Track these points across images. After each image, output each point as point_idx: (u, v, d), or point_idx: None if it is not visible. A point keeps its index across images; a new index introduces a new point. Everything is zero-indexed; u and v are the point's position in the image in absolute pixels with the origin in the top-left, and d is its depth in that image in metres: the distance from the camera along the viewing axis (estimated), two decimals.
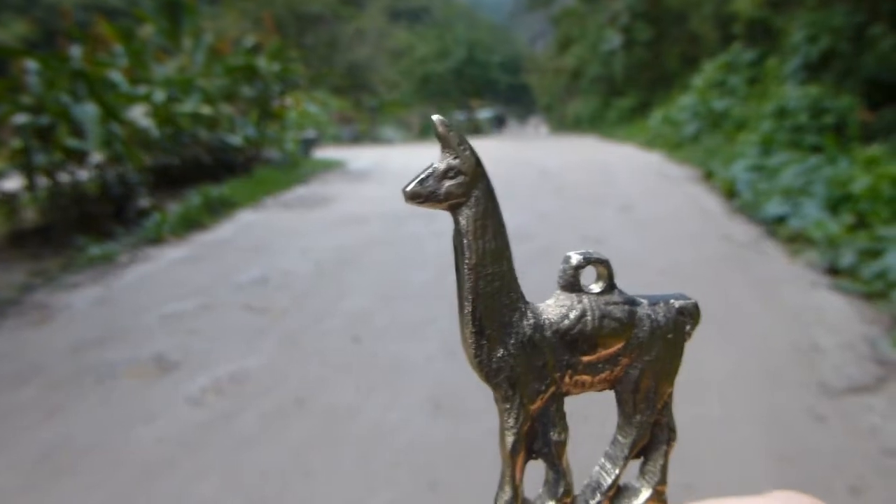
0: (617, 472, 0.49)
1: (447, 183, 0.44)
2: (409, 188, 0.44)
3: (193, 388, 3.45)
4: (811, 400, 3.10)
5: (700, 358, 3.44)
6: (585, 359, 0.47)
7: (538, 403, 0.47)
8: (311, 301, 4.90)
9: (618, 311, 0.48)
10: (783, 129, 10.34)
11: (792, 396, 3.16)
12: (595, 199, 8.86)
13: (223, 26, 27.15)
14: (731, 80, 15.77)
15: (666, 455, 0.50)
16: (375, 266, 5.81)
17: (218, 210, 8.36)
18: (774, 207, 6.78)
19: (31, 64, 7.49)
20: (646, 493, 0.49)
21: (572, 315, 0.47)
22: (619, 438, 0.50)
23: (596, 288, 0.49)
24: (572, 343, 0.47)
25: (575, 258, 0.48)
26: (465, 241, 0.45)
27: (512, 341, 0.46)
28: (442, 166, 0.44)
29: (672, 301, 0.50)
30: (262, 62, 12.43)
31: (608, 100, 27.67)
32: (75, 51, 8.74)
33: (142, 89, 9.52)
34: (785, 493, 0.46)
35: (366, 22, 42.15)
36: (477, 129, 33.44)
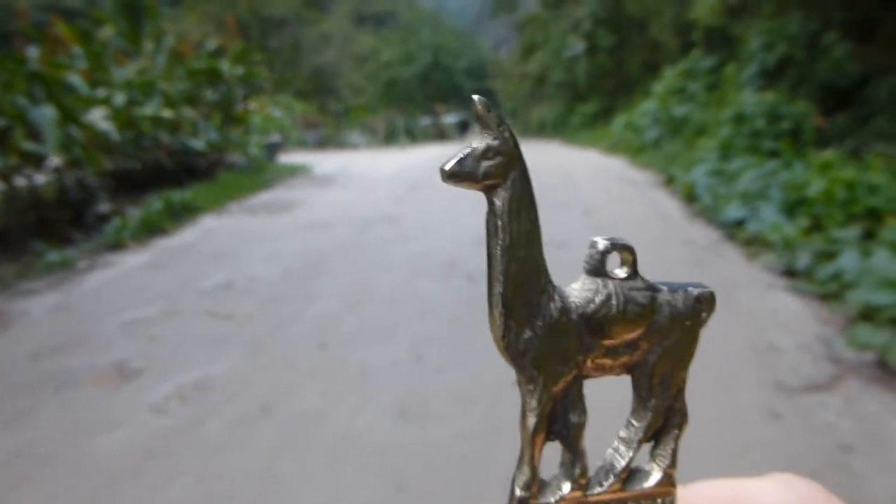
0: (630, 454, 0.51)
1: (485, 163, 0.45)
2: (448, 167, 0.44)
3: (156, 396, 3.40)
4: (768, 399, 3.18)
5: None
6: (607, 342, 0.49)
7: (560, 385, 0.48)
8: (276, 307, 4.87)
9: (640, 297, 0.49)
10: (741, 134, 10.58)
11: (750, 395, 3.24)
12: (558, 204, 8.95)
13: (185, 29, 26.76)
14: (691, 86, 16.09)
15: (677, 439, 0.52)
16: (342, 271, 5.80)
17: (180, 215, 8.24)
18: (733, 211, 6.94)
19: None
20: (657, 475, 0.51)
21: (598, 299, 0.48)
22: (634, 422, 0.52)
23: (621, 273, 0.50)
24: (596, 327, 0.48)
25: (602, 243, 0.49)
26: (499, 223, 0.46)
27: (539, 323, 0.47)
28: (481, 146, 0.45)
29: (690, 289, 0.51)
30: (225, 65, 12.31)
31: (572, 105, 28.01)
32: (32, 52, 8.54)
33: (101, 92, 9.36)
34: (783, 474, 0.48)
35: (330, 26, 41.97)
36: (442, 135, 33.50)
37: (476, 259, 5.65)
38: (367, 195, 10.47)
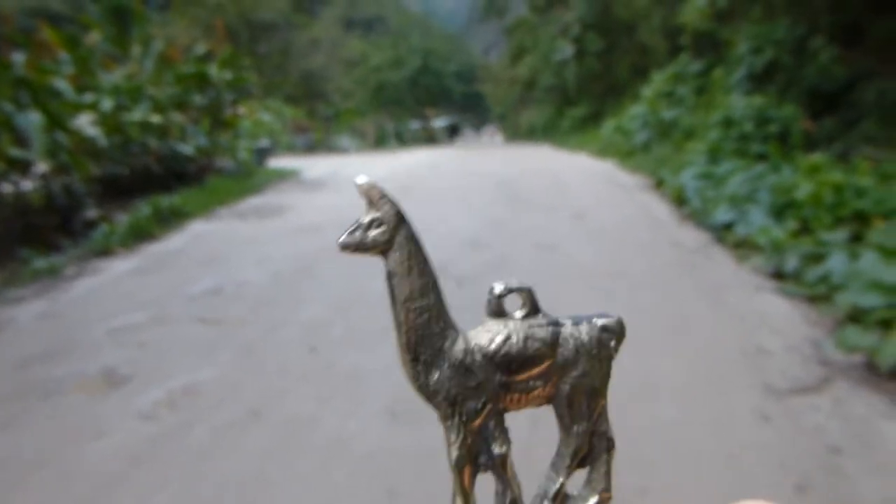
0: (561, 479, 0.54)
1: (372, 233, 0.51)
2: (340, 240, 0.51)
3: (145, 402, 3.37)
4: (758, 401, 3.19)
5: (652, 361, 3.52)
6: (517, 378, 0.52)
7: (478, 420, 0.51)
8: (266, 311, 4.85)
9: (541, 333, 0.53)
10: (729, 138, 10.64)
11: (740, 398, 3.25)
12: (548, 208, 8.97)
13: (173, 33, 26.69)
14: (680, 90, 16.18)
15: (607, 463, 0.55)
16: (332, 275, 5.78)
17: (169, 220, 8.20)
18: (722, 214, 6.97)
19: None
20: (592, 499, 0.54)
21: (498, 339, 0.52)
22: (562, 449, 0.55)
23: (520, 314, 0.53)
24: (502, 364, 0.52)
25: (498, 288, 0.53)
26: (394, 281, 0.52)
27: (446, 365, 0.51)
28: (366, 219, 0.51)
29: (595, 320, 0.55)
30: (213, 70, 12.27)
31: (561, 109, 28.10)
32: (18, 57, 8.48)
33: (88, 97, 9.30)
34: (753, 502, 0.49)
35: (320, 31, 41.95)
36: (432, 138, 33.56)
37: (466, 262, 5.65)
38: (356, 199, 10.40)
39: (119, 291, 5.56)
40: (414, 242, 0.52)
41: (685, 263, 5.84)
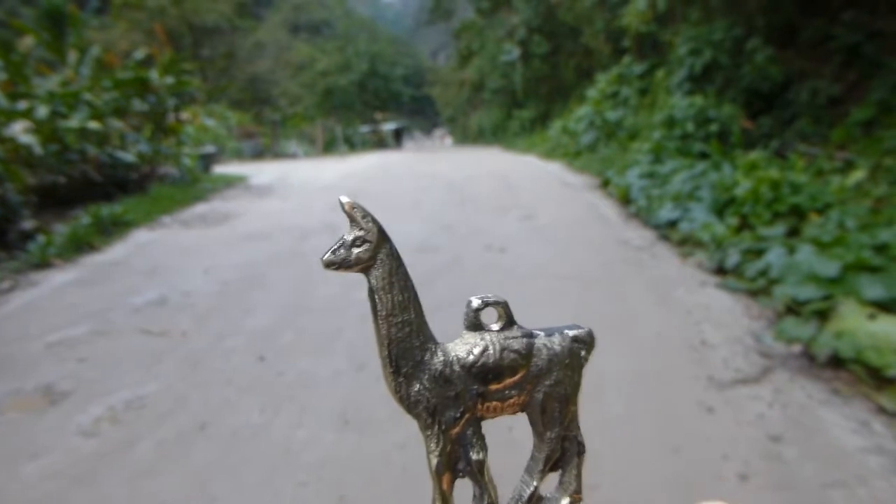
0: (535, 483, 0.57)
1: (355, 250, 0.52)
2: (324, 257, 0.52)
3: (86, 419, 3.26)
4: (702, 392, 3.27)
5: (600, 357, 3.56)
6: (493, 387, 0.55)
7: (456, 428, 0.54)
8: (212, 321, 4.74)
9: (516, 344, 0.55)
10: (672, 137, 10.89)
11: (684, 390, 3.32)
12: (498, 209, 9.03)
13: (112, 38, 26.00)
14: (624, 91, 16.49)
15: (578, 466, 0.58)
16: (280, 282, 5.70)
17: (110, 230, 7.96)
18: (666, 213, 7.12)
19: None
20: (564, 500, 0.57)
21: (476, 350, 0.54)
22: (535, 454, 0.58)
23: (496, 326, 0.56)
24: (479, 374, 0.54)
25: (475, 302, 0.55)
26: (376, 297, 0.53)
27: (426, 377, 0.53)
28: (350, 237, 0.52)
29: (566, 331, 0.58)
30: (154, 75, 11.97)
31: (510, 111, 28.35)
32: None
33: (22, 104, 8.97)
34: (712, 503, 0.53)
35: (265, 34, 41.40)
36: (382, 142, 33.44)
37: (417, 266, 5.63)
38: (305, 205, 10.34)
39: (58, 304, 5.37)
40: (395, 259, 0.54)
41: (632, 261, 5.95)
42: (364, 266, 0.53)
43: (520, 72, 25.52)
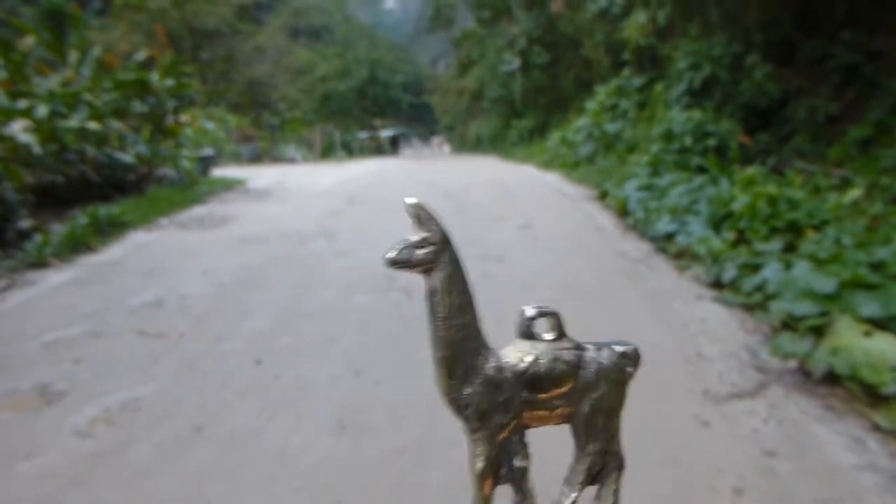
0: (574, 495, 0.58)
1: (419, 252, 0.54)
2: (388, 256, 0.53)
3: (81, 420, 3.25)
4: (698, 406, 3.28)
5: None
6: (542, 396, 0.56)
7: (503, 434, 0.55)
8: (209, 324, 4.74)
9: (567, 356, 0.57)
10: (670, 151, 10.94)
11: (679, 403, 3.33)
12: (495, 218, 9.05)
13: (113, 39, 26.02)
14: (622, 104, 16.57)
15: (617, 481, 0.60)
16: (277, 286, 5.70)
17: (107, 231, 7.95)
18: (663, 225, 7.15)
19: None
20: None
21: (528, 358, 0.55)
22: (576, 465, 0.59)
23: (548, 336, 0.57)
24: (529, 383, 0.55)
25: (529, 311, 0.57)
26: (436, 299, 0.54)
27: (478, 381, 0.54)
28: (416, 238, 0.54)
29: (615, 346, 0.60)
30: (154, 77, 11.98)
31: (508, 120, 28.42)
32: None
33: (22, 103, 8.97)
34: None
35: (265, 39, 41.48)
36: (380, 149, 33.50)
37: (414, 274, 5.64)
38: (303, 209, 10.34)
39: (54, 304, 5.36)
40: (456, 264, 0.55)
41: (629, 273, 5.97)
42: (426, 267, 0.54)
43: (519, 82, 25.61)
